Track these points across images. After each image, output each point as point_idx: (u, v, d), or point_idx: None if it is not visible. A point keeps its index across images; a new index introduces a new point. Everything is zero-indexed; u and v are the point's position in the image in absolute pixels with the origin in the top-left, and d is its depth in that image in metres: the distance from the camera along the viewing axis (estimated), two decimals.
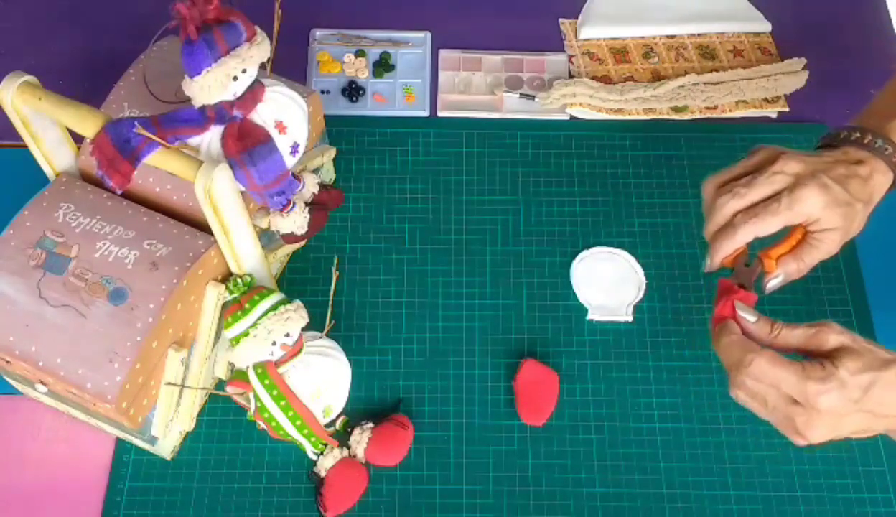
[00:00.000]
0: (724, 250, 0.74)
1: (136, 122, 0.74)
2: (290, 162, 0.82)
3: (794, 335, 0.69)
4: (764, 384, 0.67)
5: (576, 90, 1.07)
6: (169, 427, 0.84)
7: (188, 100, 0.76)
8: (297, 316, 0.80)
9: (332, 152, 0.98)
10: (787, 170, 0.74)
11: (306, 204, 0.89)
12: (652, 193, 1.03)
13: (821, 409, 0.65)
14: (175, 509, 0.85)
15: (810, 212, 0.73)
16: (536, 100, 1.08)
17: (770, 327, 0.70)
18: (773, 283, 0.75)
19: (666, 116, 1.08)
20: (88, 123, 0.74)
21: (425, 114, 1.08)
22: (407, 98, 1.09)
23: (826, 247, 0.74)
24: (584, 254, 0.99)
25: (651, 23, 1.15)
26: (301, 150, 0.83)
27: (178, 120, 0.77)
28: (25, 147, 0.82)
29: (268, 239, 0.90)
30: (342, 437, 0.87)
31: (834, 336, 0.67)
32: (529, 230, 1.00)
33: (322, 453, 0.86)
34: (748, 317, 0.70)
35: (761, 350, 0.67)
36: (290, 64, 1.10)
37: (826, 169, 0.74)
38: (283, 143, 0.80)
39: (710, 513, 0.86)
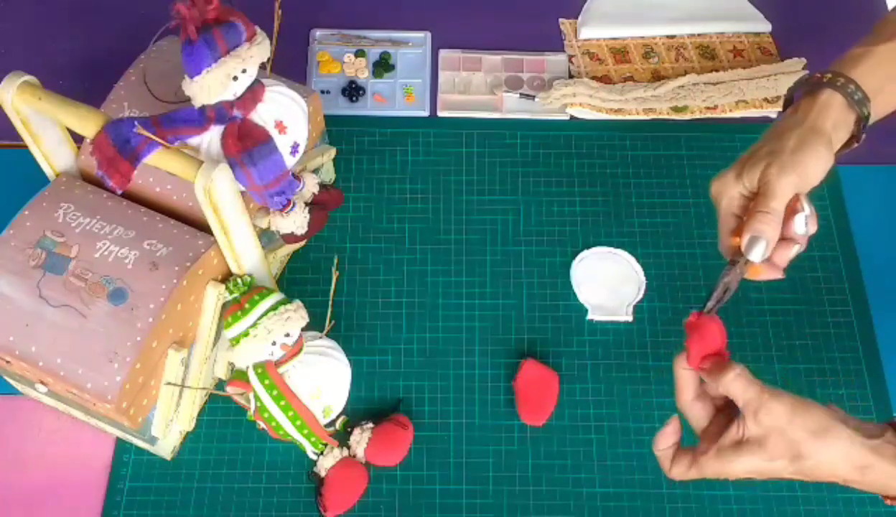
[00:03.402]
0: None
1: (136, 122, 0.74)
2: (290, 162, 0.82)
3: (743, 394, 0.67)
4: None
5: (576, 90, 1.07)
6: (169, 427, 0.84)
7: (188, 100, 0.76)
8: (297, 316, 0.80)
9: (332, 152, 0.98)
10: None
11: (306, 204, 0.89)
12: (652, 193, 1.03)
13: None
14: (175, 509, 0.85)
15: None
16: (536, 100, 1.08)
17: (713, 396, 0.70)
18: (757, 251, 0.71)
19: (666, 116, 1.08)
20: (88, 123, 0.74)
21: (425, 114, 1.08)
22: (407, 98, 1.09)
23: (775, 180, 0.70)
24: (584, 254, 0.99)
25: (651, 23, 1.15)
26: (301, 150, 0.83)
27: (178, 120, 0.77)
28: (25, 147, 0.82)
29: (268, 239, 0.90)
30: (342, 437, 0.87)
31: (767, 420, 0.65)
32: (529, 230, 1.00)
33: (322, 453, 0.86)
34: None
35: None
36: (290, 64, 1.10)
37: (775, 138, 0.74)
38: (283, 143, 0.80)
39: (710, 513, 0.86)
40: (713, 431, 0.69)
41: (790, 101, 0.80)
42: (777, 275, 0.73)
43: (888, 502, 0.69)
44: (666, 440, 0.71)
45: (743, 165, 0.74)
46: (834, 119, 0.74)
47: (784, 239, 0.72)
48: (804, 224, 0.72)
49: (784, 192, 0.70)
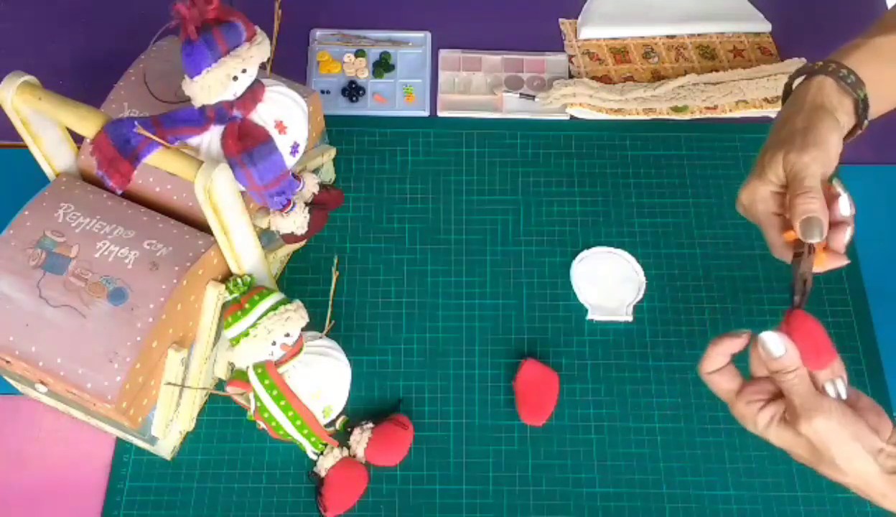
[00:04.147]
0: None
1: (136, 122, 0.74)
2: (290, 162, 0.82)
3: (794, 395, 0.66)
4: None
5: (576, 90, 1.07)
6: (169, 427, 0.84)
7: (188, 100, 0.76)
8: (297, 316, 0.81)
9: (332, 152, 0.98)
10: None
11: (306, 204, 0.89)
12: (652, 193, 1.03)
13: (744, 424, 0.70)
14: (175, 509, 0.85)
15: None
16: (536, 100, 1.08)
17: (779, 370, 0.67)
18: (814, 232, 0.69)
19: (666, 116, 1.08)
20: (88, 123, 0.74)
21: (425, 114, 1.08)
22: (407, 98, 1.09)
23: (812, 176, 0.70)
24: (584, 254, 0.99)
25: (651, 23, 1.15)
26: (301, 150, 0.83)
27: (178, 120, 0.77)
28: (25, 147, 0.82)
29: (268, 239, 0.90)
30: (342, 437, 0.87)
31: (810, 429, 0.65)
32: (529, 230, 1.00)
33: (322, 453, 0.86)
34: (774, 349, 0.67)
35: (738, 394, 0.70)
36: (290, 64, 1.10)
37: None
38: (283, 143, 0.80)
39: (710, 513, 0.86)
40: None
41: (788, 94, 0.80)
42: (842, 261, 0.72)
43: None
44: (730, 347, 0.70)
45: (762, 165, 0.73)
46: (831, 100, 0.74)
47: (834, 224, 0.71)
48: (848, 205, 0.72)
49: (811, 169, 0.70)
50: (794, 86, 0.79)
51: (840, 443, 0.65)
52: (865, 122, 0.76)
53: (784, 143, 0.72)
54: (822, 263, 0.72)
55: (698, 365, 0.71)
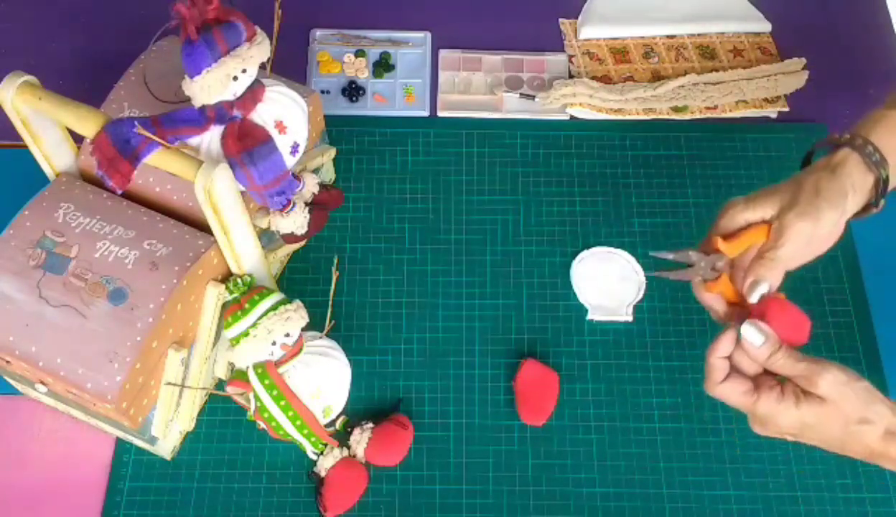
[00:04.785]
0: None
1: (136, 122, 0.74)
2: (290, 162, 0.82)
3: (792, 369, 0.69)
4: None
5: (576, 90, 1.07)
6: (169, 427, 0.84)
7: (188, 100, 0.76)
8: (297, 316, 0.81)
9: (332, 152, 0.98)
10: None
11: (306, 204, 0.89)
12: (652, 193, 1.03)
13: (766, 426, 0.70)
14: (175, 509, 0.85)
15: (735, 213, 0.73)
16: (536, 100, 1.08)
17: (768, 355, 0.69)
18: (757, 292, 0.71)
19: (666, 116, 1.08)
20: (88, 123, 0.74)
21: (425, 114, 1.08)
22: (407, 98, 1.09)
23: (790, 230, 0.71)
24: (584, 254, 0.99)
25: (651, 23, 1.15)
26: (301, 150, 0.83)
27: (178, 120, 0.77)
28: (25, 147, 0.82)
29: (268, 239, 0.90)
30: (342, 437, 0.87)
31: (824, 387, 0.67)
32: (529, 230, 1.00)
33: (322, 453, 0.86)
34: (753, 339, 0.69)
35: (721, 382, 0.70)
36: (290, 64, 1.10)
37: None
38: (283, 143, 0.80)
39: (710, 513, 0.86)
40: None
41: (808, 160, 0.79)
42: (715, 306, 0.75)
43: None
44: (724, 348, 0.70)
45: (757, 196, 0.73)
46: (852, 178, 0.73)
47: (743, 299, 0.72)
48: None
49: (796, 237, 0.71)
50: (815, 154, 0.78)
51: (853, 388, 0.67)
52: (882, 202, 0.76)
53: (789, 197, 0.72)
54: (712, 290, 0.74)
55: (704, 386, 0.71)
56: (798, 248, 0.72)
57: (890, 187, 0.76)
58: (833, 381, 0.67)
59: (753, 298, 0.71)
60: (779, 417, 0.69)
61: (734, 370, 0.71)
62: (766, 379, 0.70)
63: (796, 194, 0.72)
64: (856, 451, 0.69)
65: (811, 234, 0.72)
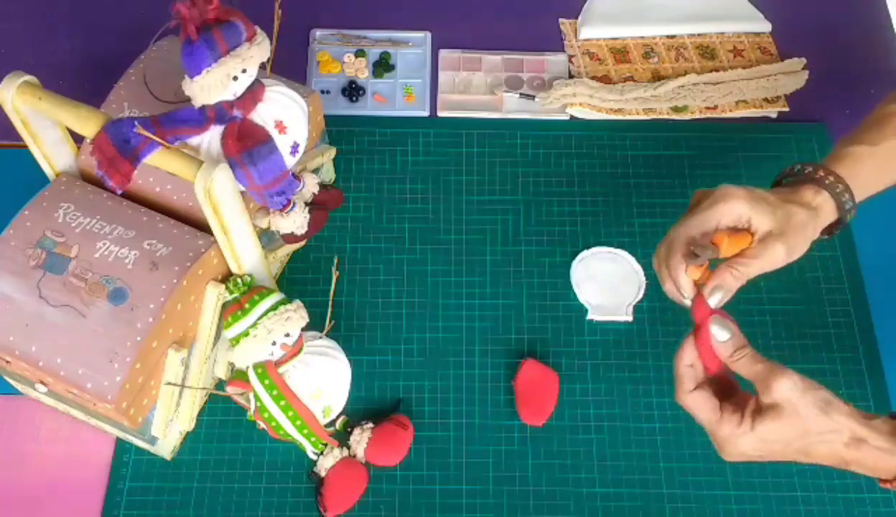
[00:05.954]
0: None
1: (136, 122, 0.74)
2: (290, 162, 0.82)
3: (751, 369, 0.69)
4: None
5: (576, 90, 1.07)
6: (169, 427, 0.84)
7: (188, 100, 0.76)
8: (297, 316, 0.81)
9: (332, 152, 0.98)
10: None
11: (306, 204, 0.89)
12: (652, 193, 1.03)
13: (725, 450, 0.70)
14: (175, 509, 0.85)
15: (738, 211, 0.73)
16: (536, 100, 1.08)
17: (732, 352, 0.70)
18: (715, 298, 0.72)
19: (666, 116, 1.08)
20: (88, 123, 0.74)
21: (425, 114, 1.08)
22: (407, 98, 1.09)
23: (769, 255, 0.73)
24: (584, 254, 0.99)
25: (651, 23, 1.15)
26: (301, 150, 0.83)
27: (178, 120, 0.77)
28: (25, 147, 0.82)
29: (268, 239, 0.90)
30: (342, 437, 0.87)
31: (779, 392, 0.67)
32: (529, 230, 1.00)
33: (322, 453, 0.86)
34: (719, 335, 0.71)
35: (691, 390, 0.71)
36: (290, 64, 1.10)
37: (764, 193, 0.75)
38: (283, 143, 0.80)
39: (710, 513, 0.86)
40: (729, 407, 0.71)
41: (780, 182, 0.80)
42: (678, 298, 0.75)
43: (882, 485, 0.70)
44: (689, 356, 0.71)
45: (758, 205, 0.73)
46: (823, 219, 0.76)
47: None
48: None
49: (771, 262, 0.73)
50: (792, 176, 0.79)
51: (808, 398, 0.67)
52: (835, 233, 0.79)
53: (781, 218, 0.73)
54: (693, 275, 0.74)
55: (675, 396, 0.71)
56: (764, 269, 0.73)
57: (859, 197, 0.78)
58: (790, 387, 0.67)
59: (713, 301, 0.72)
60: (738, 441, 0.69)
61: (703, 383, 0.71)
62: (726, 405, 0.70)
63: (786, 222, 0.74)
64: (823, 458, 0.69)
65: (782, 262, 0.74)
